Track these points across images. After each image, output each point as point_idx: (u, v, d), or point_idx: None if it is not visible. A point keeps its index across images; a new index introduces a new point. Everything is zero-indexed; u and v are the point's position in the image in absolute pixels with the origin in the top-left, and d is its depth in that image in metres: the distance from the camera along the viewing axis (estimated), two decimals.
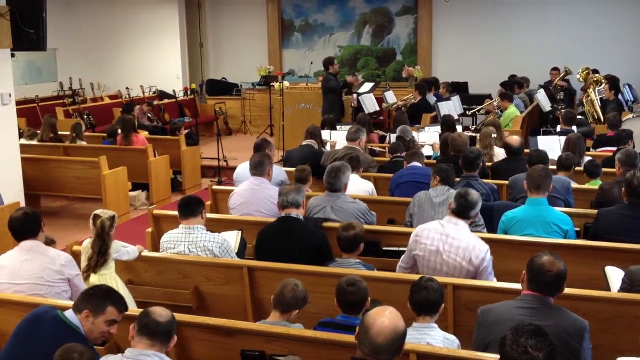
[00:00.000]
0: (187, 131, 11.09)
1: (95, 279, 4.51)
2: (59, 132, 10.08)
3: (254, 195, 5.87)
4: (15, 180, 7.84)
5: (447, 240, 4.47)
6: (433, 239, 4.51)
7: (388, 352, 2.78)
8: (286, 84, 12.82)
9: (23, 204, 7.46)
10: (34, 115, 12.55)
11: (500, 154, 7.42)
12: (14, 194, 7.60)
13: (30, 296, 4.17)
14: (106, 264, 4.56)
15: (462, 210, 4.53)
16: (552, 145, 7.80)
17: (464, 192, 4.58)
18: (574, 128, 8.65)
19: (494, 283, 4.31)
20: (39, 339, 3.38)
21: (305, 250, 4.78)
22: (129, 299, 4.57)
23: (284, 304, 3.72)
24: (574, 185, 6.17)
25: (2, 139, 7.64)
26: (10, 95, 7.69)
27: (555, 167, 6.29)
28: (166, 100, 14.78)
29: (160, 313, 3.19)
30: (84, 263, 4.60)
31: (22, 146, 8.36)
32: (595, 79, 11.29)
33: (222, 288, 4.80)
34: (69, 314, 3.47)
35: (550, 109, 11.55)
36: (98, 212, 4.67)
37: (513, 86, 12.01)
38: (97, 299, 3.48)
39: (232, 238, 5.15)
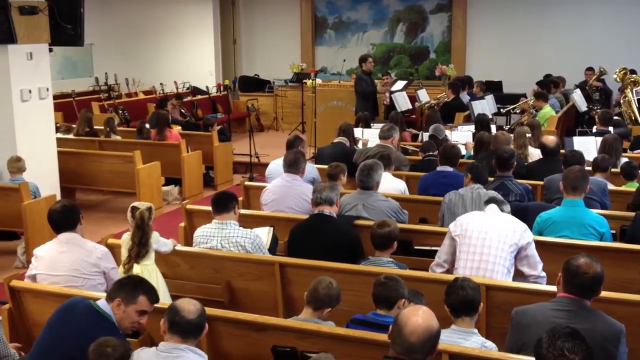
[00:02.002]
0: (219, 127, 11.15)
1: (137, 270, 4.55)
2: (95, 127, 10.21)
3: (286, 191, 5.88)
4: (51, 173, 7.96)
5: (490, 220, 4.50)
6: (475, 222, 4.51)
7: (421, 352, 2.76)
8: (318, 81, 12.81)
9: (59, 197, 7.59)
10: (70, 110, 12.72)
11: (534, 154, 7.33)
12: (50, 187, 7.72)
13: (65, 287, 4.24)
14: (147, 254, 4.61)
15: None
16: (587, 146, 7.68)
17: (493, 197, 4.73)
18: (611, 129, 8.51)
19: (528, 284, 4.26)
20: (72, 326, 3.42)
21: (337, 248, 4.78)
22: (165, 291, 4.63)
23: (317, 300, 3.72)
24: (610, 186, 6.06)
25: (40, 133, 7.76)
26: (47, 90, 7.81)
27: (591, 168, 6.19)
28: (199, 96, 14.89)
29: (189, 309, 3.17)
30: (124, 255, 4.65)
31: (58, 140, 8.48)
32: (633, 80, 11.09)
33: (254, 283, 4.82)
34: (101, 303, 3.51)
35: (586, 109, 11.36)
36: (135, 204, 4.71)
37: (548, 85, 11.85)
38: (130, 287, 3.51)
39: (264, 234, 5.17)
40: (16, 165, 7.18)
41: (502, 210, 4.63)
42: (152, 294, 3.58)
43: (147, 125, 9.94)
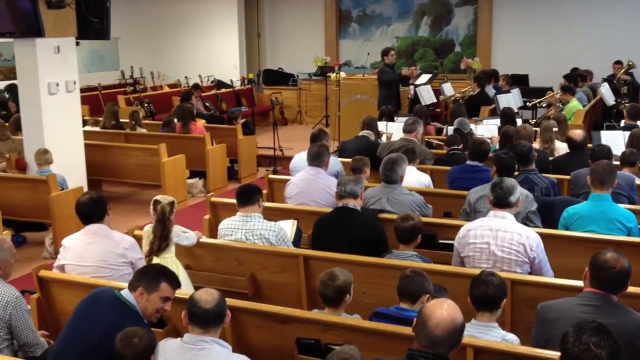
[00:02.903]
0: (243, 120, 11.20)
1: (157, 262, 4.59)
2: (120, 120, 10.31)
3: (310, 184, 5.89)
4: (78, 165, 8.05)
5: (498, 234, 4.39)
6: (482, 236, 4.43)
7: (445, 345, 2.75)
8: (342, 74, 12.79)
9: (86, 189, 7.68)
10: (96, 103, 12.86)
11: (561, 148, 7.25)
12: (77, 179, 7.81)
13: (93, 278, 4.29)
14: (168, 248, 4.66)
15: (500, 198, 4.48)
16: (615, 140, 7.58)
17: (498, 181, 4.55)
18: (639, 122, 8.38)
19: (554, 279, 4.23)
20: (97, 316, 3.46)
21: (362, 241, 4.77)
22: (188, 283, 4.67)
23: (332, 300, 3.69)
24: (638, 181, 5.98)
25: (67, 125, 7.85)
26: (74, 83, 7.89)
27: (618, 163, 6.11)
28: (223, 90, 14.94)
29: (206, 299, 3.16)
30: (145, 247, 4.71)
31: (85, 132, 8.57)
32: None
33: (278, 276, 4.84)
34: (125, 293, 3.55)
35: (614, 102, 11.22)
36: (158, 197, 4.76)
37: (576, 79, 11.72)
38: (151, 276, 3.54)
39: (288, 227, 5.19)
40: (43, 157, 7.28)
41: (511, 202, 4.49)
42: (174, 280, 3.61)
43: (176, 120, 10.01)
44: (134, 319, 3.44)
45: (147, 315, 3.54)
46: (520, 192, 4.66)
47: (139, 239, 5.10)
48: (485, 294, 3.50)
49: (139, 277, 3.56)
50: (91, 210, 4.46)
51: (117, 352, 3.13)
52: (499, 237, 4.38)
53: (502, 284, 3.59)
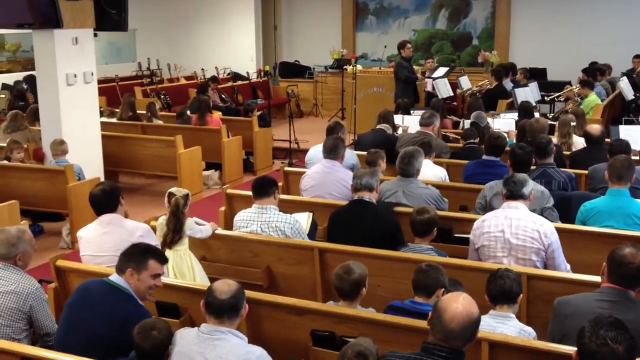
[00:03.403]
0: (259, 113, 11.21)
1: (169, 255, 4.61)
2: (137, 111, 10.36)
3: (326, 177, 5.89)
4: (95, 156, 8.10)
5: (512, 222, 4.40)
6: (497, 225, 4.44)
7: (460, 338, 2.74)
8: (359, 67, 12.76)
9: (102, 180, 7.72)
10: (113, 94, 12.94)
11: (579, 142, 7.19)
12: (94, 170, 7.86)
13: (109, 267, 4.31)
14: (180, 240, 4.67)
15: (513, 191, 4.50)
16: (634, 135, 7.50)
17: (509, 176, 4.60)
18: None
19: (571, 274, 4.20)
20: (92, 306, 3.47)
21: (377, 234, 4.76)
22: (202, 275, 4.69)
23: (347, 293, 3.69)
24: None
25: (85, 116, 7.90)
26: (92, 74, 7.93)
27: (637, 158, 6.05)
28: (240, 82, 14.97)
29: (222, 289, 3.16)
30: (158, 240, 4.72)
31: (102, 124, 8.62)
32: None
33: (293, 268, 4.84)
34: (114, 277, 3.56)
35: (633, 97, 11.10)
36: (172, 190, 4.77)
37: (594, 73, 11.59)
38: (137, 255, 3.55)
39: (304, 219, 5.19)
40: (60, 147, 7.33)
41: (524, 194, 4.51)
42: (160, 256, 3.65)
43: (189, 112, 10.04)
44: (129, 302, 3.47)
45: (141, 295, 3.55)
46: (532, 186, 4.67)
47: (154, 230, 5.13)
48: (502, 288, 3.52)
49: (125, 259, 3.56)
50: (104, 201, 4.48)
51: (136, 344, 3.14)
52: (513, 225, 4.39)
53: (518, 278, 3.60)
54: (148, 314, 3.52)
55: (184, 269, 4.64)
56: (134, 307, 3.48)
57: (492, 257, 4.43)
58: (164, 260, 3.67)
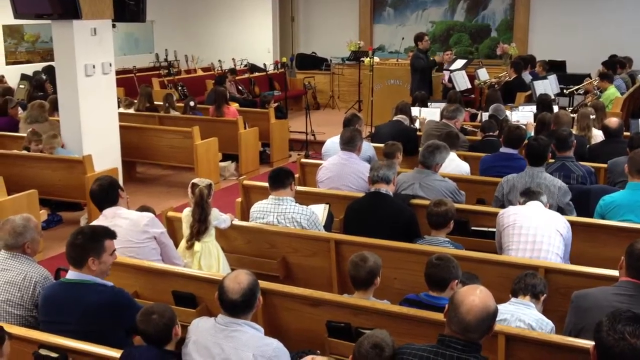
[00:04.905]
0: (276, 104, 11.21)
1: (198, 247, 4.64)
2: (155, 102, 10.40)
3: (342, 169, 5.88)
4: (113, 146, 8.14)
5: (538, 211, 4.49)
6: (524, 214, 4.49)
7: (477, 331, 2.73)
8: (376, 59, 12.72)
9: (120, 171, 7.79)
10: (131, 85, 13.00)
11: (598, 135, 7.13)
12: (112, 160, 7.90)
13: (123, 257, 4.33)
14: (207, 231, 4.68)
15: (532, 198, 4.65)
16: None
17: (526, 190, 4.75)
18: None
19: (589, 268, 4.16)
20: (66, 312, 3.46)
21: (393, 226, 4.75)
22: (226, 267, 4.70)
23: (363, 281, 3.70)
24: None
25: (103, 107, 7.93)
26: (110, 65, 7.96)
27: None
28: (256, 74, 14.97)
29: (233, 289, 3.09)
30: (185, 231, 4.74)
31: (119, 114, 8.66)
32: None
33: (309, 259, 4.85)
34: (72, 275, 3.54)
35: None
36: (195, 180, 4.77)
37: (614, 66, 11.47)
38: (91, 243, 3.54)
39: (320, 211, 5.19)
40: (55, 141, 7.46)
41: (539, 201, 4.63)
42: (109, 233, 3.67)
43: (192, 103, 10.07)
44: (101, 291, 3.48)
45: (105, 276, 3.59)
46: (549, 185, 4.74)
47: (172, 221, 5.16)
48: (525, 282, 3.62)
49: (80, 252, 3.52)
50: (103, 196, 4.49)
51: (141, 331, 3.20)
52: (538, 211, 4.51)
53: (545, 282, 3.71)
54: (116, 289, 3.55)
55: (211, 260, 4.66)
56: (101, 294, 3.47)
57: (516, 242, 4.45)
58: (113, 235, 3.69)
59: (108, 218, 4.45)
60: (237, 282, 3.11)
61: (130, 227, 4.42)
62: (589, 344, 2.86)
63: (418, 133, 7.74)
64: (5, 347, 2.97)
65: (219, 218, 4.83)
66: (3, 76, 12.72)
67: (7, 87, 11.31)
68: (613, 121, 6.69)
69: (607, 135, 6.64)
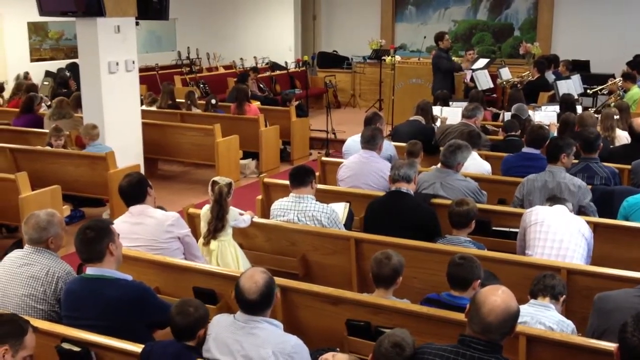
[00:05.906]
0: (297, 102, 11.22)
1: (214, 245, 4.66)
2: (177, 100, 10.46)
3: (363, 167, 5.87)
4: (136, 143, 8.20)
5: (564, 213, 4.48)
6: (551, 213, 4.49)
7: (498, 331, 2.71)
8: (397, 58, 12.67)
9: (142, 167, 7.83)
10: (153, 83, 13.08)
11: (622, 136, 7.04)
12: (135, 157, 7.97)
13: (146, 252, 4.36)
14: (224, 229, 4.69)
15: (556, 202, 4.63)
16: None
17: (551, 196, 4.76)
18: None
19: (612, 270, 4.11)
20: (90, 307, 3.48)
21: (414, 225, 4.74)
22: (246, 262, 4.72)
23: (386, 279, 3.70)
24: None
25: (126, 104, 7.99)
26: (133, 62, 8.02)
27: None
28: (278, 72, 15.00)
29: (249, 289, 3.10)
30: (203, 228, 4.76)
31: (142, 111, 8.72)
32: None
33: (329, 258, 4.85)
34: (92, 271, 3.55)
35: None
36: (216, 178, 4.79)
37: (639, 66, 11.30)
38: (103, 230, 3.57)
39: (340, 209, 5.19)
40: (93, 132, 7.45)
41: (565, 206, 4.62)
42: (108, 219, 3.76)
43: (213, 101, 10.11)
44: (118, 286, 3.48)
45: (121, 260, 3.66)
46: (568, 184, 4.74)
47: (193, 217, 5.19)
48: (544, 284, 3.58)
49: (98, 244, 3.52)
50: (132, 192, 4.50)
51: (171, 318, 3.20)
52: (564, 214, 4.51)
53: (564, 283, 3.68)
54: (137, 283, 3.57)
55: (228, 258, 4.68)
56: (122, 288, 3.48)
57: (543, 240, 4.43)
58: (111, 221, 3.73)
59: (134, 215, 4.48)
60: (253, 282, 3.11)
61: (156, 226, 4.44)
62: (611, 345, 2.83)
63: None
64: (29, 339, 3.00)
65: (238, 218, 4.85)
66: (28, 73, 12.87)
67: (32, 83, 11.44)
68: (638, 122, 6.60)
69: (632, 136, 6.55)
